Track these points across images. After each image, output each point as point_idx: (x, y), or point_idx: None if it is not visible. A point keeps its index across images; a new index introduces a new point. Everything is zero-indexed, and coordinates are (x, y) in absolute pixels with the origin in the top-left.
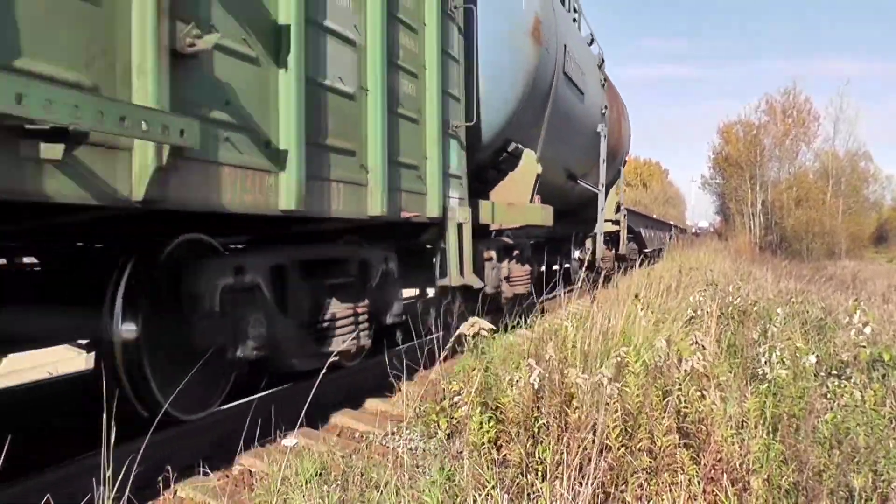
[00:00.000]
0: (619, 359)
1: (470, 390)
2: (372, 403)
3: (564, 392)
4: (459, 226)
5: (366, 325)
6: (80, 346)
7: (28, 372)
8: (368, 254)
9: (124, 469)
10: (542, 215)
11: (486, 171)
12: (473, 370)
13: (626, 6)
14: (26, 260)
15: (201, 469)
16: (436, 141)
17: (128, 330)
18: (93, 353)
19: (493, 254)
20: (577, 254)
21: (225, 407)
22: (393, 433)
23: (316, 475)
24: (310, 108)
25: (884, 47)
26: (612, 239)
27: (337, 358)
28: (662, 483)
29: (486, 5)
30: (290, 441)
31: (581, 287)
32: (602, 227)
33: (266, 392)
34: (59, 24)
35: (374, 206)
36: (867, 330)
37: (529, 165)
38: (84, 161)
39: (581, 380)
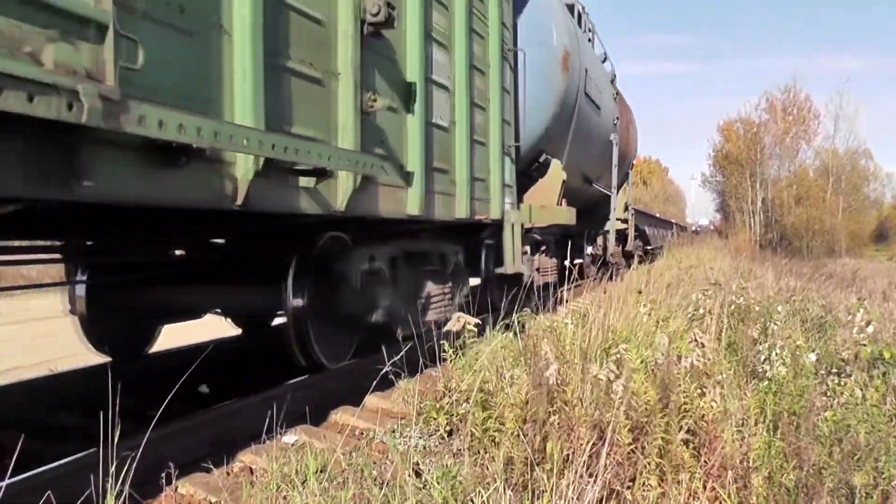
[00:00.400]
0: (618, 356)
1: (471, 388)
2: (372, 401)
3: (566, 389)
4: (512, 225)
5: (449, 302)
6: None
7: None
8: (446, 248)
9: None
10: (567, 216)
11: (521, 178)
12: (472, 368)
13: (625, 3)
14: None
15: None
16: (497, 159)
17: (297, 303)
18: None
19: (527, 248)
20: (589, 249)
21: (225, 403)
22: (394, 431)
23: (317, 472)
24: (425, 140)
25: (884, 43)
26: (620, 236)
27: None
28: (666, 482)
29: (527, 41)
30: (290, 438)
31: (594, 280)
32: (613, 226)
33: (267, 391)
34: (307, 104)
35: (460, 210)
36: (869, 329)
37: (556, 173)
38: (321, 187)
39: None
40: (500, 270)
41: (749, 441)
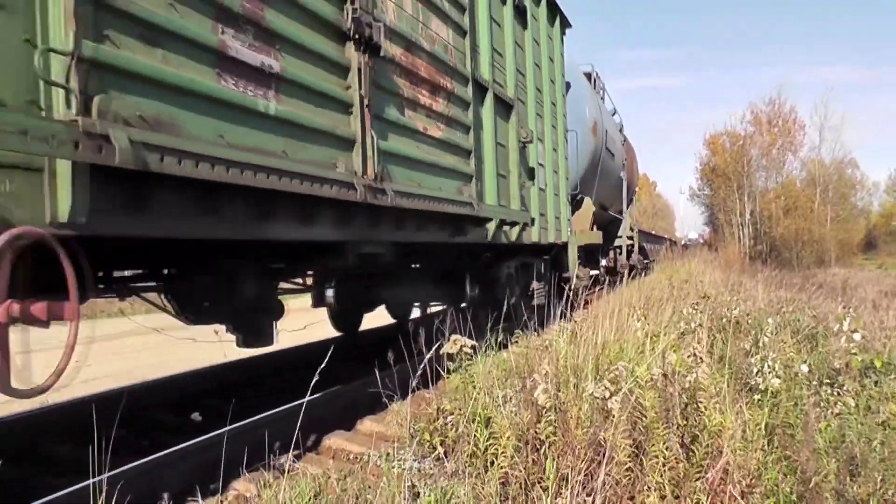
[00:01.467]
0: (616, 373)
1: (464, 409)
2: (366, 424)
3: (562, 409)
4: (573, 245)
5: (545, 293)
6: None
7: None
8: (537, 261)
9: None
10: (597, 238)
11: None
12: (467, 387)
13: (609, 18)
14: None
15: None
16: (564, 203)
17: (472, 294)
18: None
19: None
20: (603, 262)
21: (218, 432)
22: (388, 454)
23: (312, 499)
24: (539, 198)
25: (865, 55)
26: (627, 250)
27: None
28: (667, 499)
29: (569, 114)
30: (284, 463)
31: (604, 285)
32: (624, 242)
33: (259, 416)
34: (502, 189)
35: (551, 237)
36: (857, 337)
37: (588, 206)
38: (507, 231)
39: (598, 391)
40: (566, 275)
41: (748, 455)
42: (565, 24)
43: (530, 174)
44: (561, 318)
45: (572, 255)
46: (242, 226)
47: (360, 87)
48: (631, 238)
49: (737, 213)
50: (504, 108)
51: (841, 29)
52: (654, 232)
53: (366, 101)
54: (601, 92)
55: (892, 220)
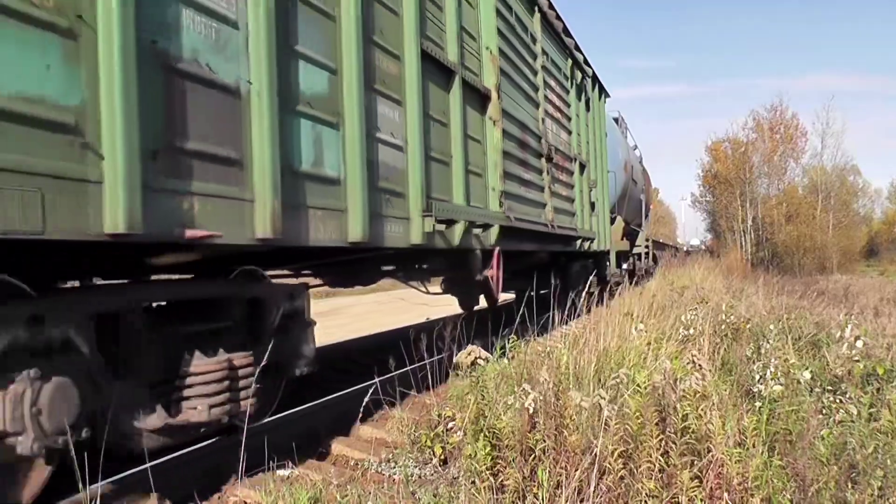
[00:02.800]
0: (616, 380)
1: (464, 416)
2: (365, 430)
3: (560, 415)
4: (614, 252)
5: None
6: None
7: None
8: (589, 262)
9: None
10: (626, 246)
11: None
12: (467, 394)
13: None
14: None
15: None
16: (607, 223)
17: (555, 283)
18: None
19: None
20: (624, 266)
21: (215, 440)
22: (388, 460)
23: None
24: (609, 222)
25: (867, 62)
26: (643, 257)
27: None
28: None
29: (609, 157)
30: (284, 471)
31: (628, 284)
32: (642, 250)
33: (260, 423)
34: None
35: (603, 246)
36: (859, 344)
37: (619, 223)
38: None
39: (585, 402)
40: (605, 273)
41: (747, 462)
42: (606, 94)
43: (592, 207)
44: (586, 311)
45: (613, 259)
46: (522, 244)
47: (547, 177)
48: (647, 247)
49: (739, 219)
50: (583, 169)
51: (842, 36)
52: (661, 240)
53: (550, 185)
54: (626, 132)
55: (894, 227)
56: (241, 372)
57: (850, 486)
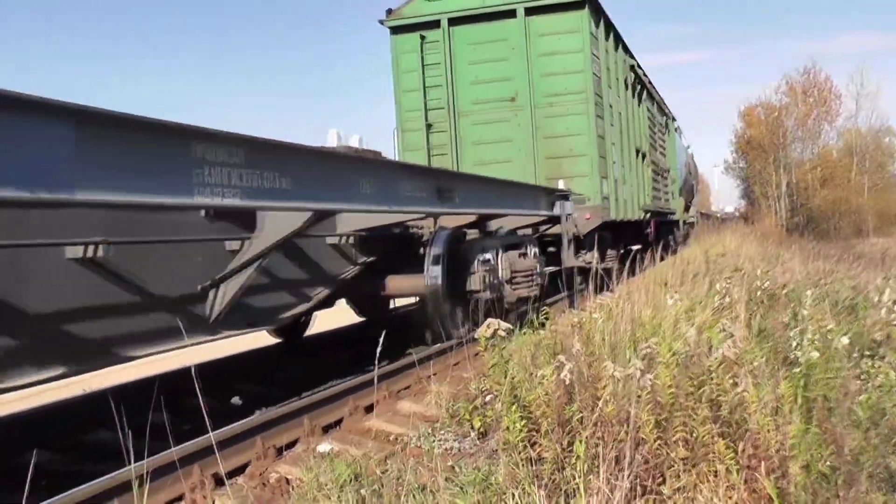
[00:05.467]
0: (648, 350)
1: (501, 389)
2: (404, 405)
3: (595, 386)
4: (681, 220)
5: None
6: None
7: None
8: (672, 225)
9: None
10: (684, 217)
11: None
12: (505, 363)
13: None
14: None
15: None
16: (678, 201)
17: (651, 239)
18: None
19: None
20: (680, 232)
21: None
22: (428, 434)
23: (351, 480)
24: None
25: None
26: (691, 224)
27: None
28: (701, 474)
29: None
30: (325, 447)
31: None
32: (691, 219)
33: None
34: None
35: (677, 217)
36: None
37: (681, 202)
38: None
39: (618, 373)
40: (677, 232)
41: (784, 429)
42: (677, 125)
43: (672, 195)
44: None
45: (681, 224)
46: (657, 217)
47: (661, 183)
48: (694, 217)
49: (773, 185)
50: (668, 172)
51: None
52: (703, 210)
53: (662, 188)
54: (680, 135)
55: None
56: (536, 271)
57: (891, 451)
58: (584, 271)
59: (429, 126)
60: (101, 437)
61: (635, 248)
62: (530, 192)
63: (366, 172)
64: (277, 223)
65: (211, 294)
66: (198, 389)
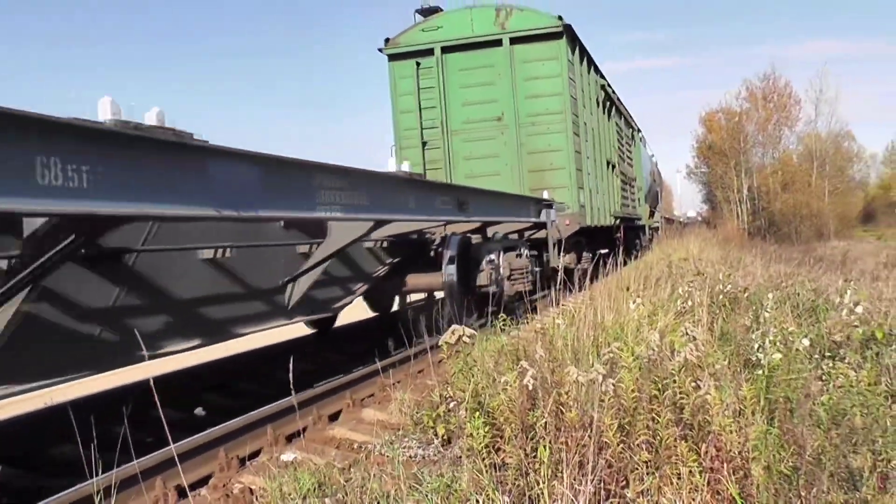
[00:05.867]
0: (611, 355)
1: (465, 395)
2: (368, 413)
3: (557, 391)
4: (646, 226)
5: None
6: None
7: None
8: (638, 231)
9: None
10: (649, 222)
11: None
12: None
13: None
14: None
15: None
16: (644, 207)
17: (619, 245)
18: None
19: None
20: (646, 237)
21: (218, 427)
22: (391, 442)
23: (314, 489)
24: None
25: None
26: (656, 230)
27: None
28: (664, 477)
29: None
30: (288, 455)
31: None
32: (655, 225)
33: (263, 408)
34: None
35: (643, 222)
36: (859, 309)
37: (646, 208)
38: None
39: (581, 377)
40: (643, 238)
41: (746, 431)
42: (642, 136)
43: (637, 202)
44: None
45: (647, 229)
46: (625, 223)
47: (629, 191)
48: (659, 223)
49: (734, 189)
50: (634, 181)
51: (835, 1)
52: (667, 216)
53: (630, 195)
54: (645, 144)
55: (890, 191)
56: (528, 269)
57: (850, 451)
58: (565, 271)
59: (424, 143)
60: (63, 451)
61: (605, 251)
62: (523, 202)
63: (413, 189)
64: (343, 230)
65: (289, 287)
66: (157, 402)
